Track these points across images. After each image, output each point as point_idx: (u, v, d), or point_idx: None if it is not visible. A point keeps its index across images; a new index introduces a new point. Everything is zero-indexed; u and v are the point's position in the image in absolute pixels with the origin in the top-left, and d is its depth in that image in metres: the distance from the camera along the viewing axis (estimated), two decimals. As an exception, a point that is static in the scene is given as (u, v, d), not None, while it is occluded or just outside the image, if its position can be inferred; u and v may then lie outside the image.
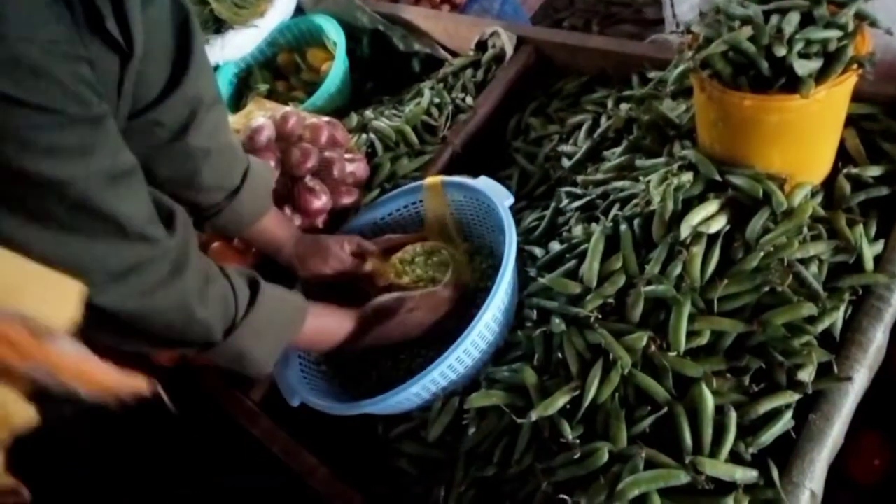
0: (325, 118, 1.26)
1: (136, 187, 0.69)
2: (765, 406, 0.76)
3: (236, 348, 0.80)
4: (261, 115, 1.23)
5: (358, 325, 0.95)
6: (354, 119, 1.42)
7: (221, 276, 0.79)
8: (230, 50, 1.58)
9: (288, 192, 1.16)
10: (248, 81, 1.66)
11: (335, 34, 1.55)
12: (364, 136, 1.36)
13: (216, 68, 1.62)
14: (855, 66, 0.79)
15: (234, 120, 1.26)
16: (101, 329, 0.66)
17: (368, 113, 1.44)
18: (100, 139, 0.64)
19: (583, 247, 0.93)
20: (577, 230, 0.97)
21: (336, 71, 1.48)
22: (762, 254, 0.82)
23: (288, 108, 1.28)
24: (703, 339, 0.81)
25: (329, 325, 0.94)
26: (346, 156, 1.22)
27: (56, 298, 0.56)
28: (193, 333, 0.75)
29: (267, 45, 1.68)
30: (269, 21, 1.61)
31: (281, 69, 1.68)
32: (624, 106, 1.16)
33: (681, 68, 1.02)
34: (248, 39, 1.61)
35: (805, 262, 0.83)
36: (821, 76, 0.79)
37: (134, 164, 0.69)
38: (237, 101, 1.64)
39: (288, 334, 0.86)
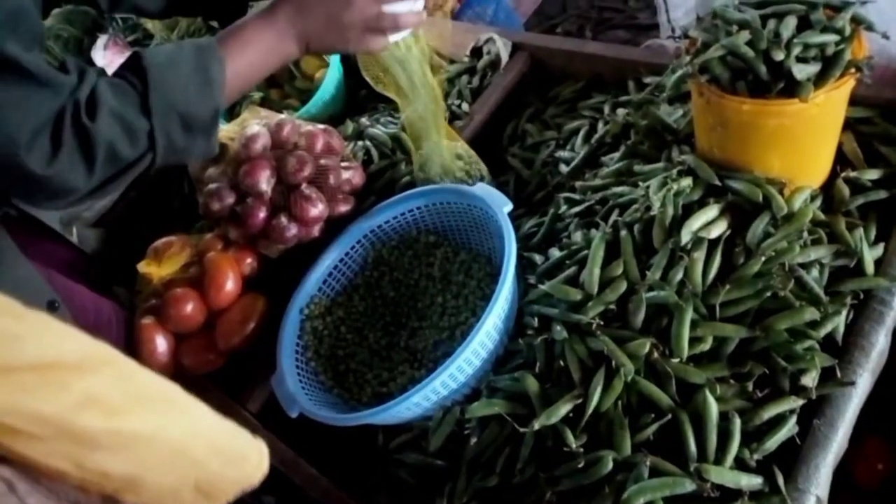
0: (321, 126, 1.25)
1: (22, 29, 0.68)
2: (769, 412, 0.76)
3: (165, 118, 0.80)
4: (255, 123, 1.22)
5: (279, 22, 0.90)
6: (350, 126, 1.41)
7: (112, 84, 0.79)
8: (223, 58, 1.57)
9: (284, 201, 1.15)
10: (241, 89, 1.65)
11: (329, 41, 1.54)
12: (360, 143, 1.36)
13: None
14: (853, 69, 0.79)
15: (229, 128, 1.25)
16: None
17: (364, 120, 1.43)
18: None
19: (583, 253, 0.92)
20: (577, 236, 0.96)
21: (330, 78, 1.47)
22: (763, 259, 0.81)
23: (283, 116, 1.27)
24: (706, 345, 0.80)
25: (255, 46, 0.89)
26: (342, 164, 1.21)
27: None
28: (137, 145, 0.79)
29: (260, 52, 1.67)
30: (263, 29, 1.60)
31: (274, 76, 1.67)
32: (621, 111, 1.16)
33: (679, 73, 1.03)
34: (241, 47, 1.60)
35: (806, 266, 0.83)
36: (819, 80, 0.79)
37: (18, 5, 0.67)
38: (231, 108, 1.63)
39: (207, 66, 0.84)
